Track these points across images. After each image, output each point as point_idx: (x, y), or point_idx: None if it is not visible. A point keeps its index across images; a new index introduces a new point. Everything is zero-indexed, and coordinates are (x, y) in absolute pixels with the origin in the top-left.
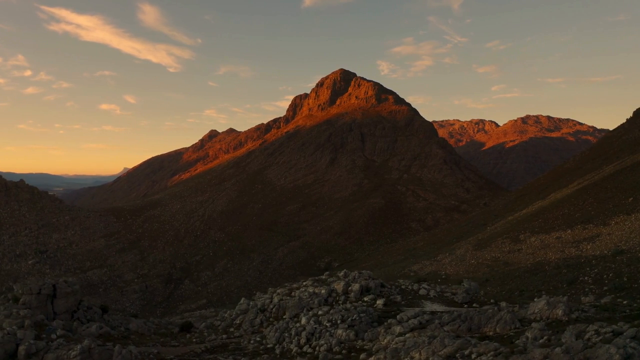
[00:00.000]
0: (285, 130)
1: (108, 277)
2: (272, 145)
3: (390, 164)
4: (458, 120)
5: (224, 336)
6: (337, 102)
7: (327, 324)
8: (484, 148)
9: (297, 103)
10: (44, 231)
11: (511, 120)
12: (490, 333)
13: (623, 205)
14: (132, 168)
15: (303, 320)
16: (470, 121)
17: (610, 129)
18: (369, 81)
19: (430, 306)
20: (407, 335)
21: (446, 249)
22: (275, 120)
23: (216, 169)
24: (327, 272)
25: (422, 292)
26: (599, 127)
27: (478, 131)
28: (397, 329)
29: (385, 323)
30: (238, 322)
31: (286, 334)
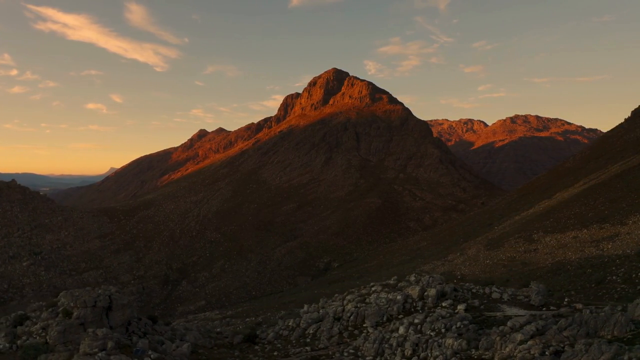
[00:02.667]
0: (278, 130)
1: (104, 278)
2: (265, 144)
3: (386, 164)
4: (447, 120)
5: (308, 348)
6: (331, 102)
7: (432, 333)
8: (473, 147)
9: (289, 102)
10: (37, 232)
11: (500, 120)
12: (609, 336)
13: (637, 205)
14: (120, 168)
15: (401, 330)
16: (459, 121)
17: (599, 128)
18: (362, 80)
19: (510, 310)
20: (529, 342)
21: (455, 249)
22: (266, 120)
23: (209, 169)
24: (394, 277)
25: (494, 295)
26: (587, 126)
27: (467, 131)
28: (518, 336)
29: (497, 330)
30: (311, 331)
31: (386, 345)
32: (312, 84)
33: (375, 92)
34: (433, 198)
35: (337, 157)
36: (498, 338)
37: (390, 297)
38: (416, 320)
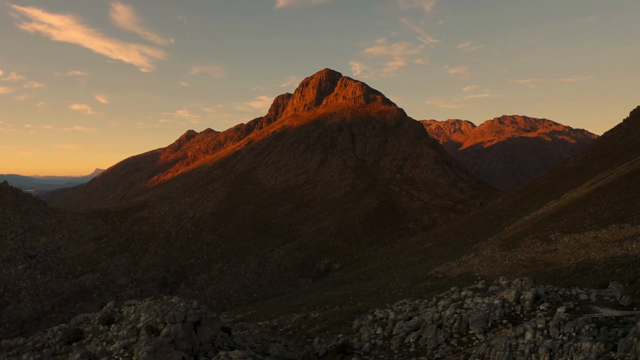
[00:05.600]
0: (271, 131)
1: (101, 282)
2: (259, 145)
3: (382, 164)
4: (434, 121)
5: (423, 359)
6: (324, 102)
7: (564, 338)
8: (461, 148)
9: (280, 103)
10: (31, 235)
11: (488, 121)
12: None
13: None
14: (108, 169)
15: (528, 335)
16: (447, 121)
17: (587, 129)
18: (355, 81)
19: (605, 311)
20: None
21: (467, 250)
22: (256, 121)
23: (201, 170)
24: (482, 281)
25: (582, 297)
26: (574, 127)
27: (454, 131)
28: None
29: (631, 331)
30: (412, 340)
31: (517, 352)
32: (305, 84)
33: (369, 93)
34: (430, 199)
35: (332, 158)
36: (635, 339)
37: (487, 301)
38: (539, 325)
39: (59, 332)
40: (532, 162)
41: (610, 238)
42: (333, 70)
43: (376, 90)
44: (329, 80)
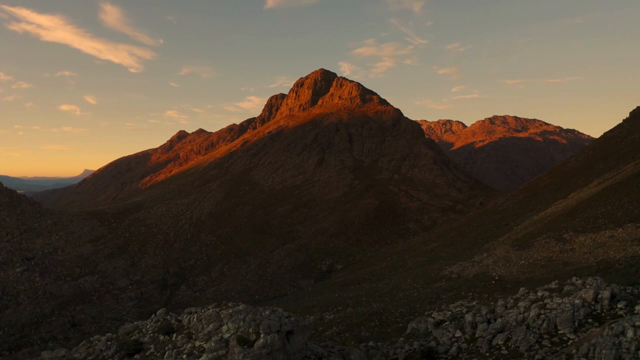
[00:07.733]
0: (267, 131)
1: (101, 284)
2: (254, 145)
3: (380, 165)
4: (425, 121)
5: None
6: (319, 103)
7: None
8: (452, 148)
9: (273, 103)
10: (27, 236)
11: (479, 121)
12: None
13: None
14: (98, 170)
15: (630, 334)
16: (438, 122)
17: (577, 129)
18: (351, 81)
19: None
20: None
21: (478, 250)
22: (249, 121)
23: (195, 170)
24: (555, 281)
25: None
26: (564, 127)
27: (446, 131)
28: None
29: None
30: (500, 342)
31: (622, 350)
32: (300, 84)
33: (365, 93)
34: (429, 199)
35: (330, 158)
36: None
37: (568, 301)
38: (637, 323)
39: (110, 343)
40: (524, 162)
41: (628, 237)
42: (328, 71)
43: (372, 91)
44: (324, 80)
